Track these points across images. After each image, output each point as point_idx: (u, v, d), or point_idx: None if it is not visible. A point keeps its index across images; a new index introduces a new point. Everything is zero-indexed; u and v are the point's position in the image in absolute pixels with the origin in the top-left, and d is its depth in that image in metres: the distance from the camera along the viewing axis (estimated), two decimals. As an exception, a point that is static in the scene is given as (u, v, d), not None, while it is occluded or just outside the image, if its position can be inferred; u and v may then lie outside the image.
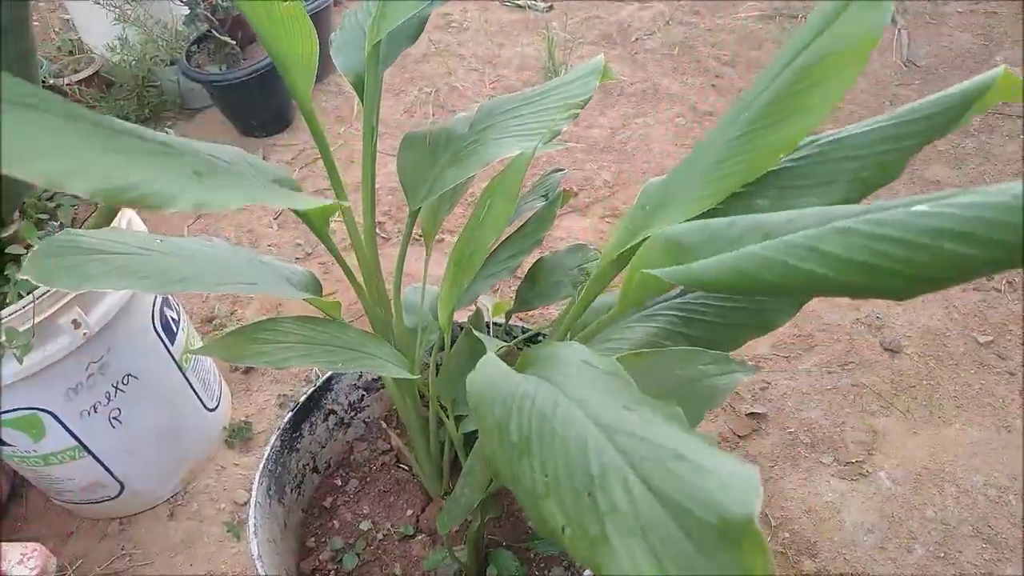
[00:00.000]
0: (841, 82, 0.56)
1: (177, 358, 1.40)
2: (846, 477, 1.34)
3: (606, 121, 2.15)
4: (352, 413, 1.09)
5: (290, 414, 1.00)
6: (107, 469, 1.37)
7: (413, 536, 0.99)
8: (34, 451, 1.29)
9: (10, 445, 1.28)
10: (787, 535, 1.28)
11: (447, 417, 0.93)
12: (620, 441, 0.42)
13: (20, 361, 1.10)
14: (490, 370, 0.55)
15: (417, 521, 1.01)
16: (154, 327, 1.34)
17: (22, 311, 1.11)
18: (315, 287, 0.85)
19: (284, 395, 1.61)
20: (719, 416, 1.46)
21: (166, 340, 1.37)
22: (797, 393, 1.47)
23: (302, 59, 0.77)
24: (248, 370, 1.67)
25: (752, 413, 1.45)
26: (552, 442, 0.44)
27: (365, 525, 1.01)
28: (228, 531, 1.42)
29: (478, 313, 1.02)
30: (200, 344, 1.49)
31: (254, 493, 0.92)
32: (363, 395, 1.09)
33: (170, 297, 1.42)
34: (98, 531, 1.47)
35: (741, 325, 0.75)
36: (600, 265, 0.68)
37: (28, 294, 1.12)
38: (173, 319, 1.41)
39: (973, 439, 1.35)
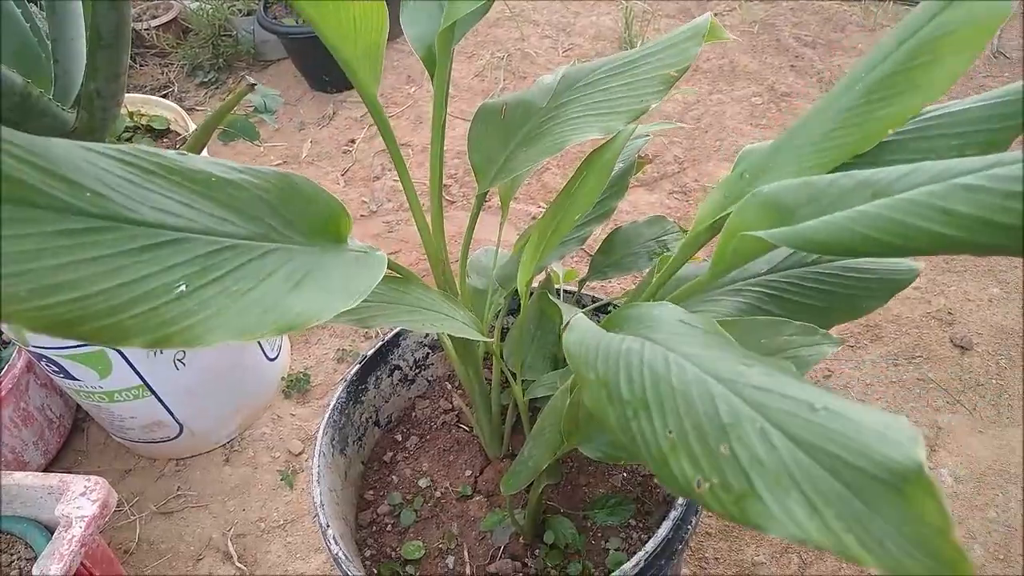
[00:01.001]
0: (960, 60, 0.54)
1: (241, 306, 1.42)
2: (907, 472, 1.31)
3: (680, 96, 2.11)
4: (416, 370, 1.09)
5: (358, 366, 1.01)
6: (168, 410, 1.39)
7: (471, 497, 0.99)
8: (100, 387, 1.32)
9: (78, 380, 1.31)
10: (842, 526, 1.26)
11: (515, 381, 0.93)
12: (748, 394, 0.41)
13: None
14: (584, 329, 0.54)
15: (475, 482, 1.01)
16: (222, 274, 1.35)
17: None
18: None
19: (343, 349, 1.62)
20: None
21: (232, 287, 1.38)
22: (861, 383, 1.44)
23: (369, 53, 0.70)
24: (307, 323, 1.69)
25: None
26: (672, 398, 0.43)
27: (424, 482, 1.01)
28: (282, 479, 1.44)
29: (549, 280, 1.01)
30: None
31: (318, 443, 0.93)
32: (428, 353, 1.09)
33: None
34: (155, 470, 1.50)
35: (831, 308, 0.73)
36: (694, 231, 0.66)
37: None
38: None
39: (1042, 443, 1.31)
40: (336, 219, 0.59)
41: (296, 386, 1.57)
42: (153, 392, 1.35)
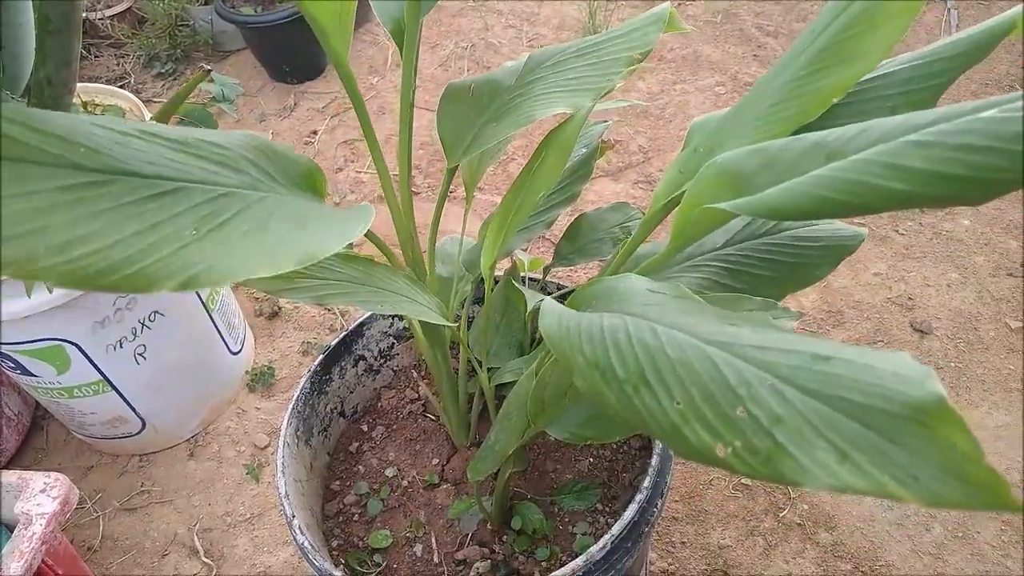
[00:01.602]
0: (894, 28, 0.55)
1: (204, 298, 1.40)
2: (869, 454, 1.33)
3: (644, 86, 2.12)
4: (381, 360, 1.08)
5: (321, 357, 1.00)
6: (130, 405, 1.37)
7: (438, 485, 0.99)
8: (58, 383, 1.30)
9: (35, 376, 1.28)
10: (805, 507, 1.28)
11: (480, 368, 0.93)
12: (750, 355, 0.42)
13: (50, 290, 1.10)
14: (558, 312, 0.54)
15: (442, 471, 1.01)
16: (183, 266, 1.33)
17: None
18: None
19: (308, 342, 1.61)
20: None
21: (194, 280, 1.36)
22: (823, 368, 1.46)
23: (341, 18, 0.71)
24: (272, 316, 1.67)
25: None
26: (672, 370, 0.43)
27: (390, 471, 1.01)
28: (248, 473, 1.43)
29: (514, 268, 1.01)
30: (227, 287, 1.49)
31: (283, 433, 0.92)
32: (393, 343, 1.08)
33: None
34: (118, 467, 1.48)
35: (786, 277, 0.75)
36: (651, 209, 0.66)
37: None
38: (201, 259, 1.40)
39: (999, 423, 1.34)
40: (313, 175, 0.61)
41: (261, 380, 1.55)
42: (114, 387, 1.33)
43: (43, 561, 1.15)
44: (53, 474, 1.16)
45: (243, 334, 1.57)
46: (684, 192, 0.61)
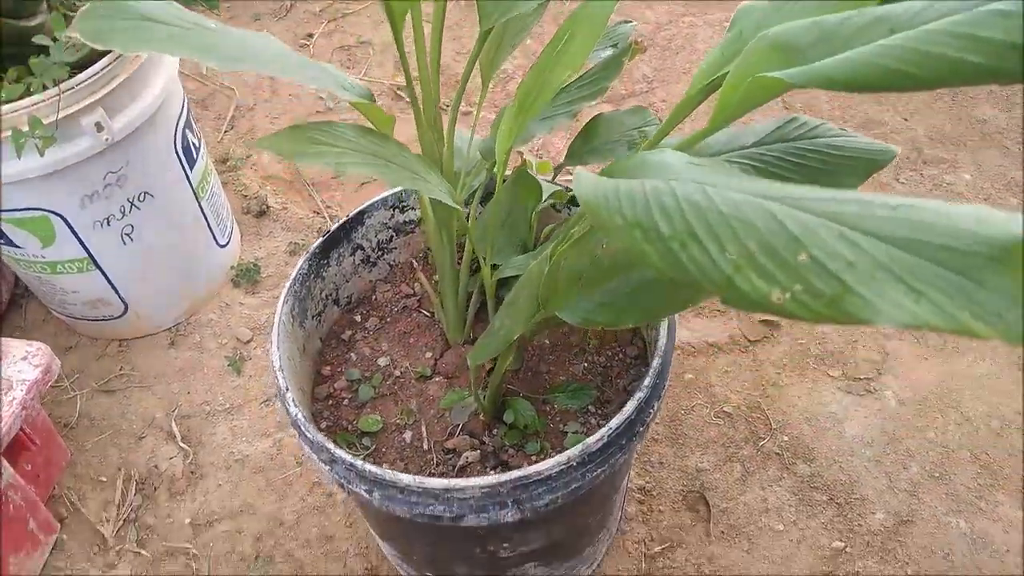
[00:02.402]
0: None
1: (195, 185, 1.37)
2: (852, 392, 1.34)
3: (652, 15, 2.08)
4: (379, 253, 1.06)
5: (321, 240, 0.97)
6: (113, 287, 1.34)
7: (430, 378, 0.98)
8: (42, 256, 1.27)
9: (19, 247, 1.25)
10: (785, 439, 1.29)
11: (484, 262, 0.91)
12: (814, 206, 0.40)
13: (41, 154, 1.07)
14: (593, 179, 0.52)
15: (435, 364, 1.00)
16: (175, 147, 1.30)
17: (47, 103, 1.07)
18: (370, 98, 0.81)
19: (295, 243, 1.58)
20: (733, 318, 1.45)
21: (186, 164, 1.33)
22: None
23: None
24: (260, 214, 1.64)
25: (766, 320, 1.44)
26: (725, 224, 0.41)
27: (383, 361, 1.00)
28: (229, 365, 1.41)
29: (524, 165, 0.99)
30: (216, 179, 1.45)
31: (279, 312, 0.90)
32: (392, 236, 1.06)
33: (192, 122, 1.37)
34: (97, 350, 1.46)
35: (812, 183, 0.73)
36: (688, 92, 0.64)
37: (55, 86, 1.08)
38: (194, 144, 1.37)
39: (983, 372, 1.35)
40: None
41: (246, 276, 1.53)
42: (98, 266, 1.30)
43: (21, 429, 1.13)
44: (35, 343, 1.15)
45: (231, 229, 1.54)
46: (726, 73, 0.59)
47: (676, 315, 0.94)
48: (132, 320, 1.42)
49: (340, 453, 0.78)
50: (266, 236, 1.61)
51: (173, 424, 1.34)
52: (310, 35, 2.05)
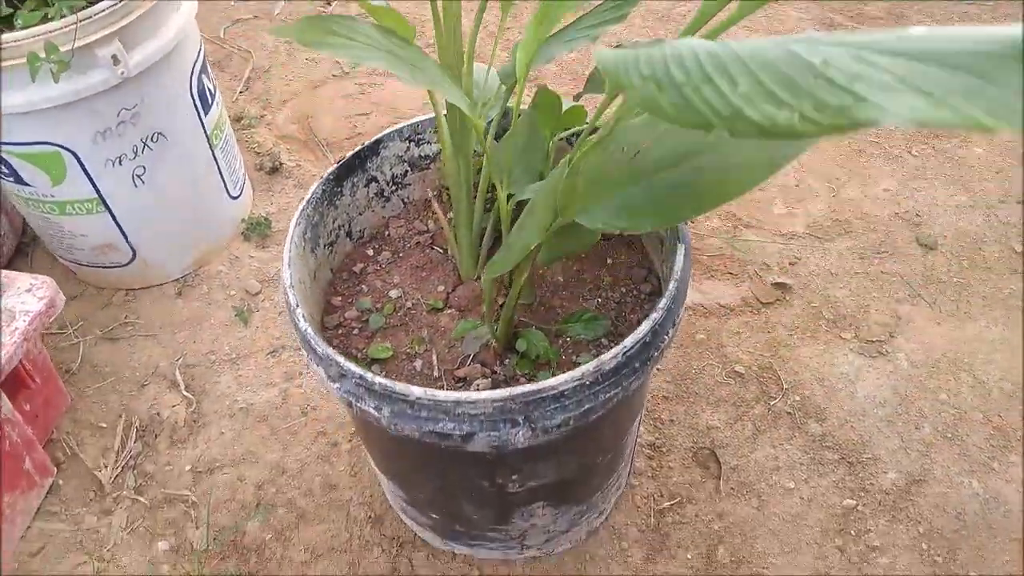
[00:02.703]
0: None
1: (208, 131, 1.36)
2: (864, 354, 1.33)
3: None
4: (393, 187, 1.05)
5: (335, 167, 0.96)
6: (122, 231, 1.34)
7: (442, 310, 0.97)
8: (52, 195, 1.26)
9: (28, 185, 1.24)
10: (797, 399, 1.28)
11: (500, 188, 0.90)
12: (835, 39, 0.39)
13: (56, 79, 1.06)
14: (615, 51, 0.51)
15: (447, 297, 0.98)
16: (191, 90, 1.29)
17: (64, 31, 1.06)
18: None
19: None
20: (745, 281, 1.44)
21: (200, 109, 1.32)
22: (826, 272, 1.45)
23: None
24: (273, 171, 1.63)
25: (778, 283, 1.43)
26: (740, 64, 0.40)
27: (394, 293, 0.98)
28: (236, 316, 1.40)
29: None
30: (230, 130, 1.44)
31: (290, 233, 0.89)
32: (407, 171, 1.05)
33: (208, 68, 1.36)
34: (103, 299, 1.45)
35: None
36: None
37: (73, 14, 1.07)
38: (210, 90, 1.36)
39: (996, 337, 1.34)
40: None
41: (256, 229, 1.52)
42: (108, 208, 1.29)
43: (22, 364, 1.12)
44: (41, 276, 1.14)
45: (243, 183, 1.53)
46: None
47: (691, 248, 0.93)
48: (139, 268, 1.40)
49: (350, 366, 0.77)
50: (278, 192, 1.60)
51: (177, 373, 1.33)
52: (328, 3, 2.05)
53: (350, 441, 1.24)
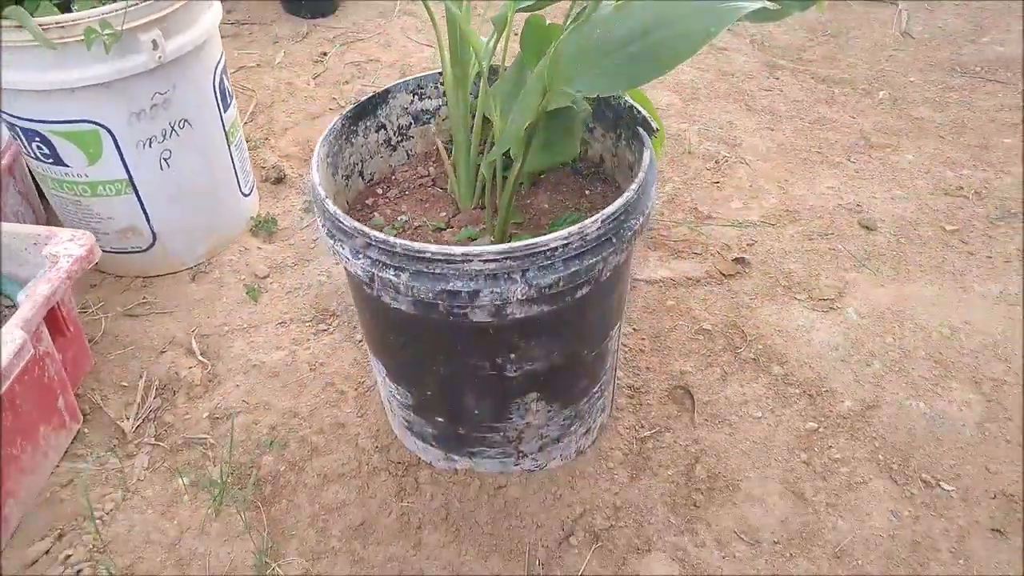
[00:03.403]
0: None
1: (226, 127, 1.52)
2: (817, 309, 1.48)
3: None
4: (399, 138, 1.21)
5: (352, 107, 1.13)
6: (145, 213, 1.47)
7: (444, 229, 1.11)
8: (86, 176, 1.40)
9: (67, 166, 1.39)
10: (760, 347, 1.42)
11: (496, 115, 1.06)
12: None
13: (107, 49, 1.22)
14: None
15: (449, 221, 1.13)
16: (214, 86, 1.46)
17: (115, 14, 1.24)
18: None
19: (310, 200, 1.73)
20: (708, 259, 1.60)
21: (220, 105, 1.49)
22: (780, 251, 1.62)
23: None
24: (278, 181, 1.79)
25: (738, 259, 1.59)
26: None
27: (403, 217, 1.13)
28: (247, 293, 1.52)
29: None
30: (242, 135, 1.61)
31: (316, 152, 1.04)
32: (411, 123, 1.21)
33: (227, 71, 1.54)
34: (121, 285, 1.57)
35: None
36: None
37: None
38: (228, 91, 1.54)
39: (932, 293, 1.50)
40: None
41: (264, 227, 1.66)
42: (135, 190, 1.43)
43: (59, 307, 1.23)
44: (80, 230, 1.26)
45: (252, 184, 1.69)
46: None
47: (655, 156, 1.08)
48: (157, 254, 1.53)
49: (375, 233, 0.91)
50: (282, 199, 1.76)
51: (192, 341, 1.44)
52: (324, 54, 2.27)
53: (356, 389, 1.35)
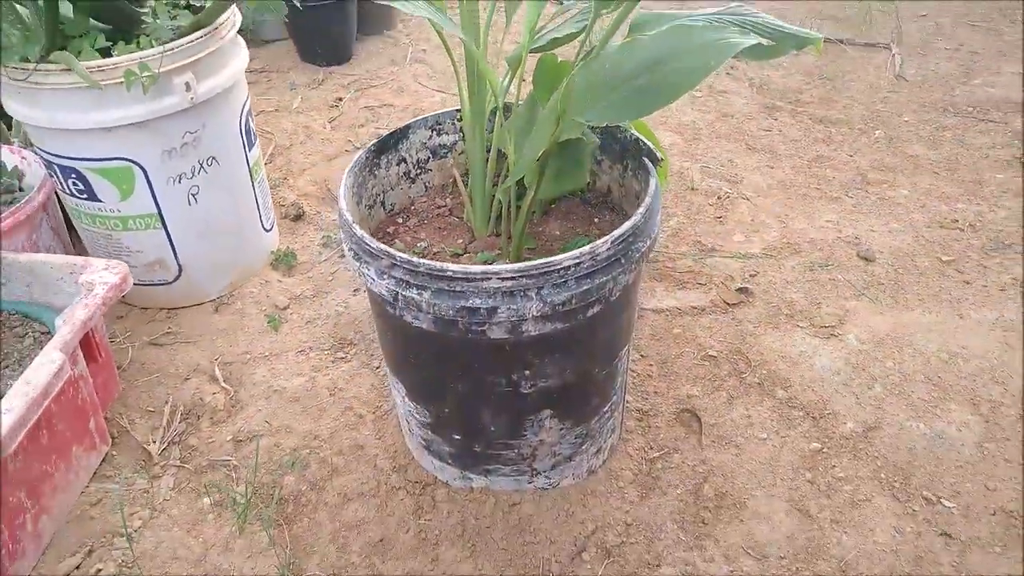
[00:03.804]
0: None
1: (250, 165, 1.60)
2: (819, 336, 1.53)
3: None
4: (418, 171, 1.28)
5: (374, 142, 1.20)
6: (173, 247, 1.54)
7: (462, 255, 1.17)
8: (118, 211, 1.47)
9: (100, 201, 1.46)
10: (764, 372, 1.47)
11: (511, 148, 1.13)
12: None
13: (145, 90, 1.30)
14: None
15: (466, 247, 1.19)
16: (240, 126, 1.54)
17: (152, 59, 1.32)
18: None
19: (328, 235, 1.80)
20: (712, 289, 1.66)
21: (246, 144, 1.57)
22: (782, 281, 1.67)
23: None
24: (297, 218, 1.86)
25: (741, 288, 1.65)
26: None
27: (422, 244, 1.19)
28: (268, 323, 1.58)
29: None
30: (264, 173, 1.68)
31: (343, 182, 1.10)
32: (429, 157, 1.29)
33: (252, 113, 1.62)
34: (147, 316, 1.63)
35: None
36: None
37: (160, 45, 1.33)
38: (253, 132, 1.61)
39: (931, 320, 1.55)
40: None
41: (284, 260, 1.73)
42: (164, 224, 1.50)
43: (93, 334, 1.29)
44: (114, 260, 1.33)
45: (273, 220, 1.76)
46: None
47: (660, 184, 1.15)
48: (182, 286, 1.60)
49: (400, 254, 0.97)
50: (301, 235, 1.83)
51: (216, 369, 1.50)
52: (339, 99, 2.37)
53: (374, 413, 1.40)
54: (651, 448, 1.34)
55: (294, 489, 1.28)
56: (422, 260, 0.96)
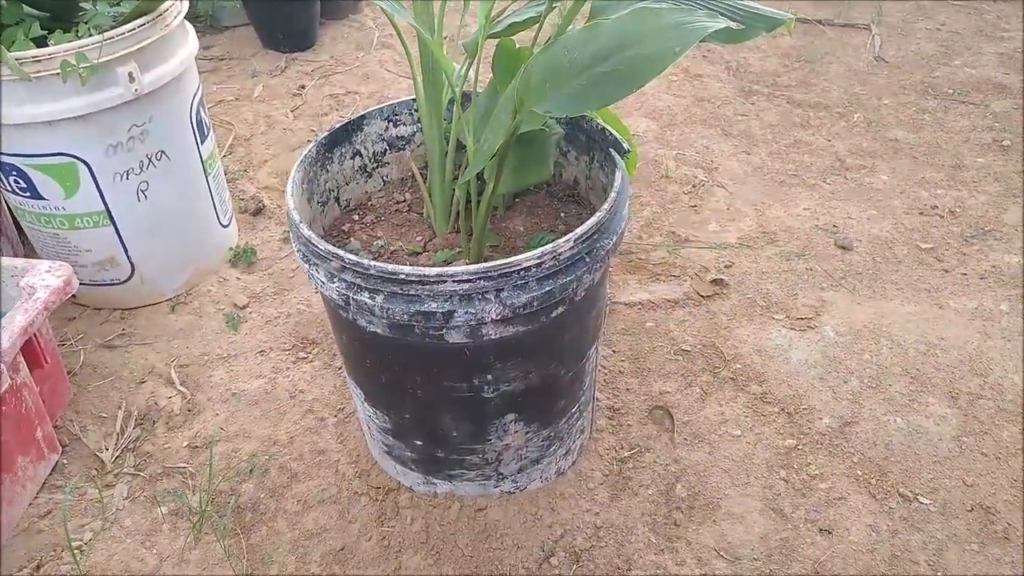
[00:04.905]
0: None
1: (204, 159, 1.53)
2: (795, 328, 1.49)
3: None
4: (375, 165, 1.22)
5: (326, 134, 1.14)
6: (124, 245, 1.48)
7: (420, 253, 1.12)
8: (63, 209, 1.40)
9: (44, 199, 1.39)
10: (739, 366, 1.42)
11: (470, 139, 1.08)
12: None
13: (83, 82, 1.23)
14: None
15: (424, 245, 1.14)
16: (191, 118, 1.47)
17: (91, 48, 1.25)
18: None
19: (288, 232, 1.74)
20: (686, 281, 1.61)
21: (198, 137, 1.50)
22: (757, 272, 1.63)
23: None
24: (256, 212, 1.80)
25: (716, 280, 1.60)
26: None
27: (379, 242, 1.14)
28: (227, 322, 1.52)
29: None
30: (221, 167, 1.62)
31: (292, 175, 1.04)
32: (386, 150, 1.23)
33: (204, 104, 1.55)
34: (100, 317, 1.57)
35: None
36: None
37: (100, 33, 1.26)
38: (205, 123, 1.55)
39: (909, 311, 1.52)
40: None
41: (243, 257, 1.66)
42: (113, 221, 1.44)
43: (37, 339, 1.23)
44: (58, 261, 1.26)
45: (231, 215, 1.69)
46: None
47: (627, 176, 1.10)
48: (136, 286, 1.53)
49: (349, 256, 0.91)
50: (261, 229, 1.76)
51: (172, 371, 1.44)
52: (302, 86, 2.30)
53: (336, 416, 1.35)
54: (622, 447, 1.30)
55: (252, 497, 1.23)
56: (373, 262, 0.90)
